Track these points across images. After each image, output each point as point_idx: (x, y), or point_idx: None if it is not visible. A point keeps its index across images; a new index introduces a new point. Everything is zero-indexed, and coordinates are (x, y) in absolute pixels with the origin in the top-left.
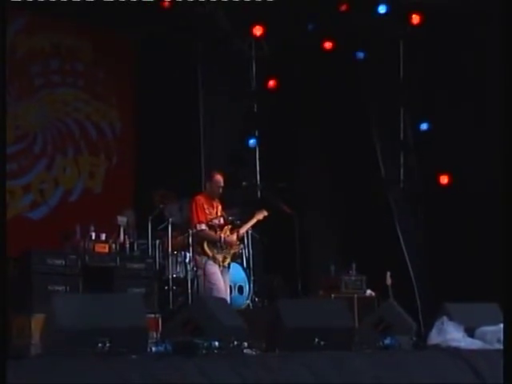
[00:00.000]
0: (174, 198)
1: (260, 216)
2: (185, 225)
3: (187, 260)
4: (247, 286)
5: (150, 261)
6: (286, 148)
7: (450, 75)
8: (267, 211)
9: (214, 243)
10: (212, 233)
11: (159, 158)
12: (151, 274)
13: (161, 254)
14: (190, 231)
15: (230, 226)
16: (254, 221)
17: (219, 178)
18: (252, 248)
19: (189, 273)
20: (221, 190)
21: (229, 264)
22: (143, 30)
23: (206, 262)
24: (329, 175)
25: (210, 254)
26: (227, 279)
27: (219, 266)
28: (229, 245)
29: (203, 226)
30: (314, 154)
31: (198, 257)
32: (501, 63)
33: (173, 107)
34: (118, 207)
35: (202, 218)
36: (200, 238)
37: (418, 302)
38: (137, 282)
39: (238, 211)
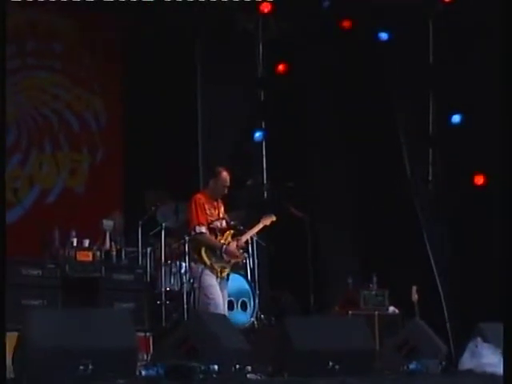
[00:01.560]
0: (167, 199)
1: (267, 221)
2: (180, 230)
3: (183, 271)
4: (251, 302)
5: (139, 271)
6: (296, 142)
7: (486, 60)
8: (275, 216)
9: (213, 250)
10: (212, 238)
11: (151, 153)
12: (141, 287)
13: (152, 263)
14: (187, 237)
15: (232, 231)
16: (259, 227)
17: (226, 175)
18: (257, 257)
19: (184, 285)
20: (226, 190)
21: (228, 275)
22: (134, 10)
23: (202, 272)
24: (346, 174)
25: (208, 263)
26: (225, 293)
27: (216, 276)
28: (229, 255)
29: (203, 229)
30: (329, 150)
31: (193, 265)
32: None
33: (166, 96)
34: (103, 209)
35: (203, 220)
36: (198, 242)
37: (448, 321)
38: (125, 295)
39: (241, 214)
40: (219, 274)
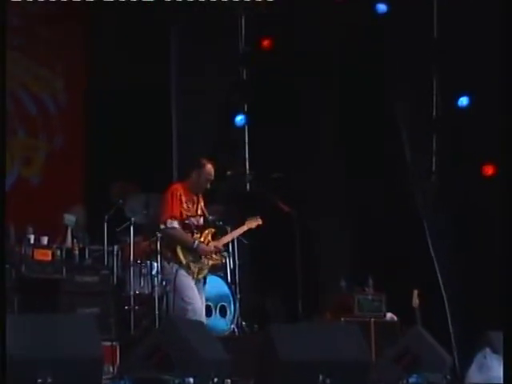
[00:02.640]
0: (137, 191)
1: (252, 224)
2: (151, 226)
3: (154, 271)
4: (231, 307)
5: (105, 272)
6: (283, 127)
7: (498, 36)
8: (260, 214)
9: (189, 249)
10: (186, 234)
11: (118, 139)
12: (107, 290)
13: (120, 263)
14: (158, 232)
15: (212, 230)
16: (243, 229)
17: (210, 168)
18: (239, 257)
19: (156, 288)
20: (209, 185)
21: (205, 277)
22: None
23: (177, 272)
24: (339, 164)
25: (184, 262)
26: (202, 297)
27: (192, 278)
28: (202, 253)
29: (175, 224)
30: (321, 137)
31: (166, 264)
32: None
33: (136, 76)
34: (63, 202)
35: (177, 213)
36: (171, 238)
37: (452, 330)
38: (88, 299)
39: (219, 209)
40: (195, 276)
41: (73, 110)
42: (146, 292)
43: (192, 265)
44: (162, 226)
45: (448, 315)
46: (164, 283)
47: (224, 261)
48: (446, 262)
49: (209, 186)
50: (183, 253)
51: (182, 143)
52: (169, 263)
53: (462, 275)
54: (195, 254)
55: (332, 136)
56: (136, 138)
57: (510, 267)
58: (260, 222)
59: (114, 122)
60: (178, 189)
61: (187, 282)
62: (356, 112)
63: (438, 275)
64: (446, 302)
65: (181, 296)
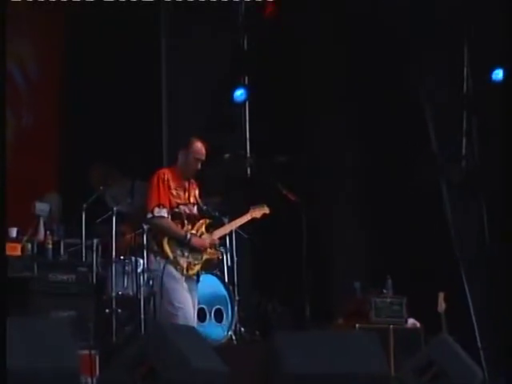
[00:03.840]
0: (120, 176)
1: (257, 214)
2: (137, 216)
3: (140, 269)
4: (229, 311)
5: (83, 270)
6: (288, 104)
7: None
8: (269, 207)
9: (179, 241)
10: (176, 225)
11: (98, 119)
12: (85, 290)
13: (100, 259)
14: (144, 223)
15: (206, 221)
16: (246, 219)
17: (200, 146)
18: (237, 253)
19: (142, 288)
20: (200, 166)
21: (198, 275)
22: None
23: (164, 268)
24: (353, 146)
25: (171, 256)
26: (195, 298)
27: (182, 274)
28: (198, 248)
29: (163, 212)
30: (331, 115)
31: (153, 259)
32: None
33: (120, 44)
34: (35, 189)
35: (165, 201)
36: (158, 229)
37: (479, 339)
38: (64, 301)
39: (215, 198)
40: (185, 272)
41: (44, 83)
42: (131, 293)
43: (181, 259)
44: (149, 215)
45: (474, 321)
46: (151, 283)
47: (220, 257)
48: (475, 262)
49: (199, 166)
50: (170, 246)
51: (173, 123)
52: (155, 258)
53: (493, 277)
54: (186, 247)
55: (345, 114)
56: (119, 115)
57: None
58: (267, 210)
59: (94, 99)
60: (166, 173)
61: (176, 282)
62: (373, 87)
63: (463, 277)
64: (471, 306)
65: (169, 299)
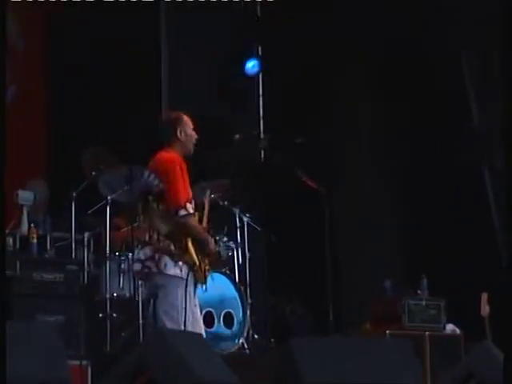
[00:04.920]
0: (115, 161)
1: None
2: (135, 206)
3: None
4: (240, 315)
5: (73, 268)
6: (309, 77)
7: None
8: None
9: (199, 243)
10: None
11: (91, 96)
12: (75, 291)
13: (92, 256)
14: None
15: (198, 214)
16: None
17: (188, 119)
18: (250, 249)
19: (140, 289)
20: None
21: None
22: None
23: (188, 278)
24: (383, 125)
25: (197, 261)
26: (197, 301)
27: (201, 283)
28: (211, 252)
29: (191, 209)
30: (356, 88)
31: (170, 262)
32: None
33: (114, 10)
34: (17, 175)
35: (190, 194)
36: (186, 229)
37: None
38: (50, 303)
39: (224, 184)
40: (203, 280)
41: (30, 54)
42: (127, 295)
43: (203, 265)
44: (183, 212)
45: None
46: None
47: (230, 253)
48: None
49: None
50: (195, 249)
51: (175, 100)
52: (175, 261)
53: None
54: (204, 251)
55: (371, 88)
56: (115, 92)
57: None
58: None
59: (86, 72)
60: (179, 158)
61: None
62: (406, 58)
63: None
64: None
65: (181, 307)
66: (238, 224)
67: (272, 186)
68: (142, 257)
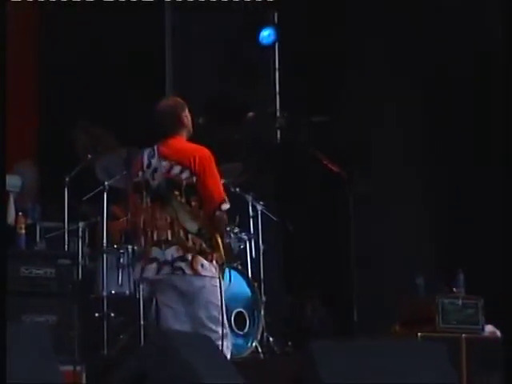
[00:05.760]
0: (113, 142)
1: None
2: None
3: None
4: (254, 315)
5: (66, 262)
6: (331, 47)
7: None
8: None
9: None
10: None
11: (87, 69)
12: (68, 289)
13: (87, 249)
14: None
15: None
16: None
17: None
18: (264, 241)
19: (141, 287)
20: None
21: None
22: None
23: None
24: (413, 105)
25: (225, 260)
26: None
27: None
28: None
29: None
30: (382, 61)
31: (205, 261)
32: None
33: None
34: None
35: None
36: (219, 226)
37: None
38: (41, 302)
39: (236, 168)
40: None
41: (18, 24)
42: (127, 292)
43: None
44: (226, 206)
45: None
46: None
47: (242, 246)
48: None
49: None
50: (224, 247)
51: (179, 75)
52: (209, 261)
53: None
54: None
55: (400, 63)
56: (113, 66)
57: None
58: None
59: (81, 43)
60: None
61: None
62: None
63: None
64: None
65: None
66: (251, 213)
67: (289, 170)
68: (169, 258)
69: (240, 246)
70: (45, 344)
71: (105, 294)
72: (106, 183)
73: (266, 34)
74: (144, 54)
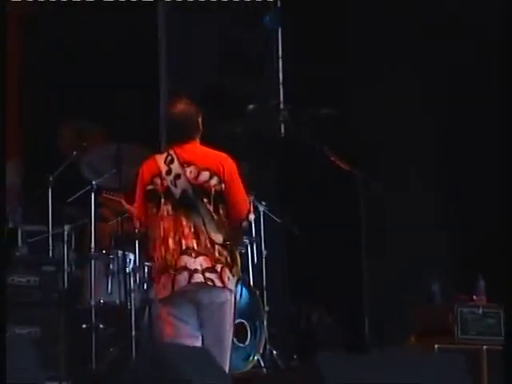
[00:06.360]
0: (101, 137)
1: None
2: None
3: (131, 266)
4: (256, 326)
5: (50, 269)
6: (339, 33)
7: None
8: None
9: None
10: None
11: (74, 60)
12: (53, 298)
13: (74, 254)
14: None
15: None
16: None
17: None
18: (267, 245)
19: (132, 295)
20: None
21: None
22: None
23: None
24: (427, 95)
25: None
26: None
27: None
28: None
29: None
30: (396, 49)
31: (229, 274)
32: None
33: None
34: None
35: None
36: (242, 237)
37: None
38: (24, 313)
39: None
40: None
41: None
42: (117, 301)
43: None
44: (252, 217)
45: None
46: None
47: (243, 250)
48: None
49: None
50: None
51: (174, 64)
52: (232, 274)
53: None
54: None
55: (415, 49)
56: (103, 56)
57: None
58: None
59: (68, 33)
60: None
61: None
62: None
63: None
64: None
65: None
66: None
67: (294, 168)
68: (199, 267)
69: (241, 251)
70: (28, 358)
71: (93, 303)
72: (93, 182)
73: (269, 19)
74: (136, 47)
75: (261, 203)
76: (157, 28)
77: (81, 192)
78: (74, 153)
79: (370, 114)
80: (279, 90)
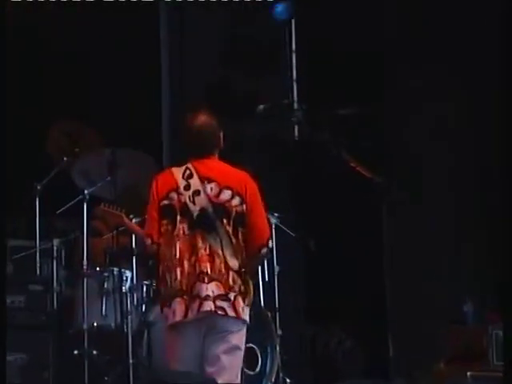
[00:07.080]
0: (94, 141)
1: None
2: (124, 204)
3: (127, 286)
4: (267, 351)
5: (37, 288)
6: (358, 26)
7: None
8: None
9: None
10: None
11: (67, 57)
12: (42, 321)
13: (65, 272)
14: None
15: None
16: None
17: None
18: (279, 261)
19: (129, 317)
20: None
21: None
22: None
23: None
24: (454, 96)
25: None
26: None
27: None
28: None
29: None
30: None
31: (246, 307)
32: None
33: None
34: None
35: None
36: (258, 265)
37: None
38: (9, 337)
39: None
40: None
41: None
42: (112, 325)
43: None
44: (271, 244)
45: None
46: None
47: None
48: None
49: None
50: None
51: (177, 62)
52: (247, 306)
53: None
54: None
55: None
56: (103, 56)
57: None
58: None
59: (68, 33)
60: None
61: None
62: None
63: None
64: None
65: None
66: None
67: (309, 174)
68: (210, 294)
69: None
70: None
71: (85, 327)
72: (85, 191)
73: (280, 10)
74: (136, 47)
75: (273, 214)
76: (158, 28)
77: (72, 202)
78: (65, 158)
79: (392, 115)
80: (292, 87)
